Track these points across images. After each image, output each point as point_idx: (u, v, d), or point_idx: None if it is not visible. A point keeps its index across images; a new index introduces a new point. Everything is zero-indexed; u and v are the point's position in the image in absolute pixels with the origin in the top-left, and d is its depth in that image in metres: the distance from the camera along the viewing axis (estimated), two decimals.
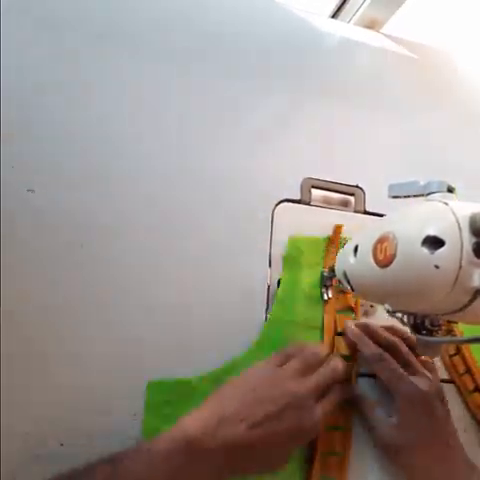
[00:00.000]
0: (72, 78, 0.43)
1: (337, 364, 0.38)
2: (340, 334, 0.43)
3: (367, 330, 0.42)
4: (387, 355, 0.40)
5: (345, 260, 0.36)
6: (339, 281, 0.39)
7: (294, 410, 0.34)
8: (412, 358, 0.40)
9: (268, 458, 0.34)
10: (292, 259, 0.45)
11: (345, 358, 0.41)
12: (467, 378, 0.44)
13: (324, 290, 0.44)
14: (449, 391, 0.44)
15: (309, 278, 0.45)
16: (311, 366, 0.37)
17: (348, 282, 0.36)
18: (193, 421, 0.33)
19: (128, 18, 0.47)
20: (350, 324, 0.42)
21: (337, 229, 0.46)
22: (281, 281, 0.44)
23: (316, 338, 0.43)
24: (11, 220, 0.38)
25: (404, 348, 0.41)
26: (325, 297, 0.43)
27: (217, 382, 0.38)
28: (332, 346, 0.42)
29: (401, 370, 0.39)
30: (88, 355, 0.38)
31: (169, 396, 0.38)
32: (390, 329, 0.42)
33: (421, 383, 0.38)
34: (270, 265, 0.44)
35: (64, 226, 0.40)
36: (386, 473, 0.40)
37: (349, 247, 0.36)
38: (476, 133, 0.56)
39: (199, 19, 0.49)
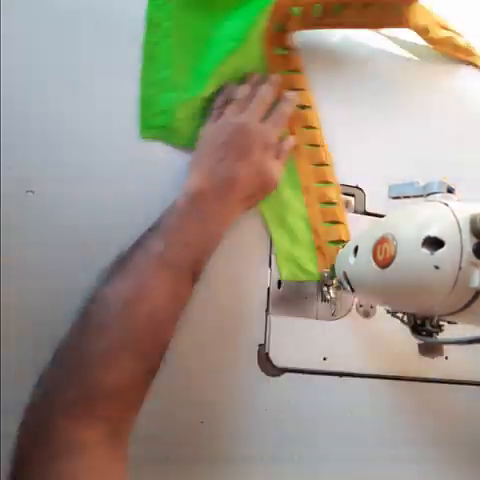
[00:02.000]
0: (72, 78, 0.43)
1: (263, 89, 0.43)
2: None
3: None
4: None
5: (345, 261, 0.36)
6: (339, 281, 0.39)
7: (254, 135, 0.40)
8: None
9: (261, 181, 0.40)
10: None
11: (337, 243, 0.44)
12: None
13: (325, 289, 0.43)
14: None
15: None
16: (246, 98, 0.42)
17: (348, 282, 0.36)
18: (190, 182, 0.39)
19: (129, 18, 0.47)
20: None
21: None
22: None
23: None
24: (11, 220, 0.38)
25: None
26: (328, 297, 0.43)
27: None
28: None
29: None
30: None
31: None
32: None
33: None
34: (270, 265, 0.44)
35: (64, 226, 0.40)
36: None
37: (349, 248, 0.36)
38: (477, 133, 0.56)
39: None
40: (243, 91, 0.42)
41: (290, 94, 0.44)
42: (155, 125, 0.43)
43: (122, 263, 0.34)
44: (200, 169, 0.39)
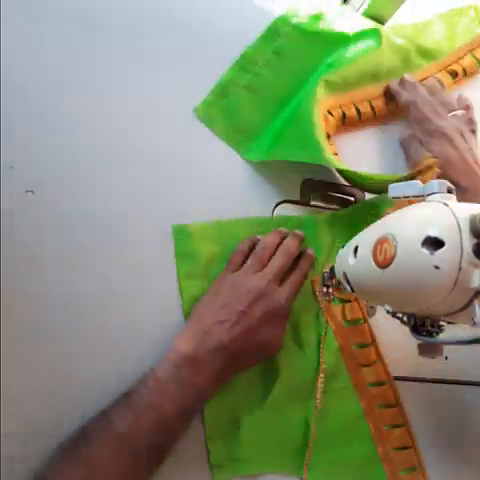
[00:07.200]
0: (72, 79, 0.43)
1: (288, 244, 0.42)
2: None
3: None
4: (421, 86, 0.49)
5: (345, 261, 0.36)
6: (339, 282, 0.39)
7: (261, 300, 0.38)
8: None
9: (260, 346, 0.39)
10: None
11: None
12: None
13: (325, 290, 0.43)
14: None
15: None
16: (264, 258, 0.41)
17: (348, 283, 0.36)
18: (181, 341, 0.37)
19: (129, 18, 0.47)
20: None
21: None
22: None
23: None
24: (10, 221, 0.38)
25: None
26: (327, 297, 0.43)
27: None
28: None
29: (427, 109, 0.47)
30: (88, 355, 0.38)
31: (192, 237, 0.43)
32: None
33: (444, 122, 0.47)
34: None
35: (64, 226, 0.40)
36: None
37: (349, 248, 0.36)
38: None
39: (199, 19, 0.49)
40: (266, 243, 0.42)
41: (310, 250, 0.43)
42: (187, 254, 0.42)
43: (79, 439, 0.33)
44: (195, 328, 0.38)
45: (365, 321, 0.44)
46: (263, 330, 0.38)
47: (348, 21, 0.53)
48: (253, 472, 0.39)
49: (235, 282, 0.39)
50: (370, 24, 0.54)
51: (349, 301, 0.44)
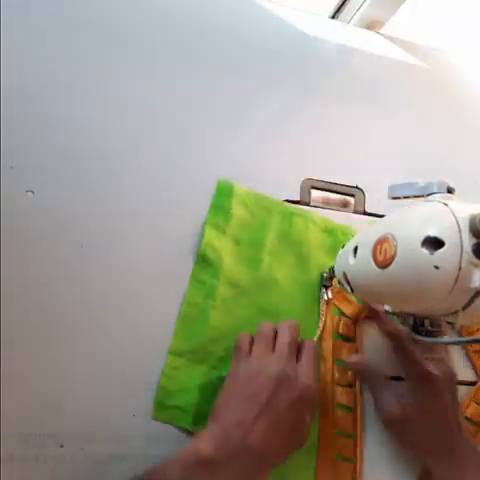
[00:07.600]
0: (72, 79, 0.43)
1: (288, 323, 0.39)
2: (341, 337, 0.43)
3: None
4: (406, 334, 0.39)
5: (345, 261, 0.36)
6: (339, 282, 0.39)
7: (284, 386, 0.34)
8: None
9: (288, 437, 0.34)
10: None
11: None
12: None
13: (324, 291, 0.43)
14: None
15: None
16: (269, 335, 0.38)
17: (348, 283, 0.36)
18: (203, 441, 0.32)
19: (131, 19, 0.47)
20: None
21: None
22: None
23: None
24: (10, 221, 0.38)
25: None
26: (325, 297, 0.43)
27: None
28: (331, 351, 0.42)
29: (417, 353, 0.39)
30: (87, 355, 0.38)
31: (232, 196, 0.44)
32: None
33: (433, 368, 0.38)
34: None
35: (64, 226, 0.40)
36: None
37: (349, 248, 0.36)
38: (476, 134, 0.56)
39: (199, 19, 0.50)
40: (264, 324, 0.39)
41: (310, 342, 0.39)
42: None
43: None
44: (215, 428, 0.33)
45: (354, 341, 0.43)
46: (289, 418, 0.34)
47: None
48: (187, 426, 0.37)
49: (251, 370, 0.35)
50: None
51: (348, 317, 0.44)
